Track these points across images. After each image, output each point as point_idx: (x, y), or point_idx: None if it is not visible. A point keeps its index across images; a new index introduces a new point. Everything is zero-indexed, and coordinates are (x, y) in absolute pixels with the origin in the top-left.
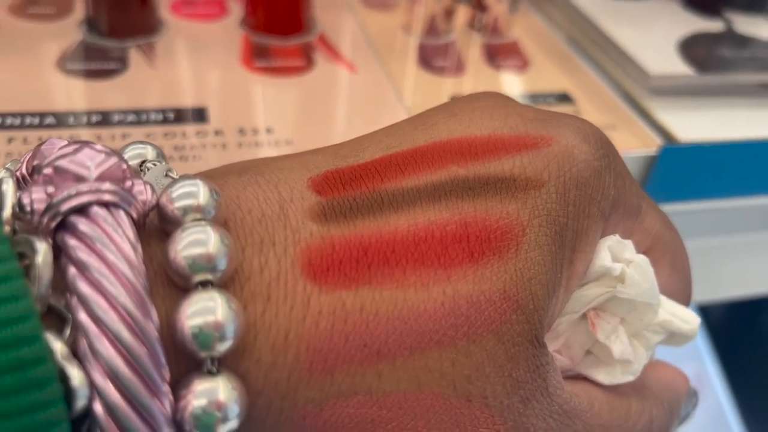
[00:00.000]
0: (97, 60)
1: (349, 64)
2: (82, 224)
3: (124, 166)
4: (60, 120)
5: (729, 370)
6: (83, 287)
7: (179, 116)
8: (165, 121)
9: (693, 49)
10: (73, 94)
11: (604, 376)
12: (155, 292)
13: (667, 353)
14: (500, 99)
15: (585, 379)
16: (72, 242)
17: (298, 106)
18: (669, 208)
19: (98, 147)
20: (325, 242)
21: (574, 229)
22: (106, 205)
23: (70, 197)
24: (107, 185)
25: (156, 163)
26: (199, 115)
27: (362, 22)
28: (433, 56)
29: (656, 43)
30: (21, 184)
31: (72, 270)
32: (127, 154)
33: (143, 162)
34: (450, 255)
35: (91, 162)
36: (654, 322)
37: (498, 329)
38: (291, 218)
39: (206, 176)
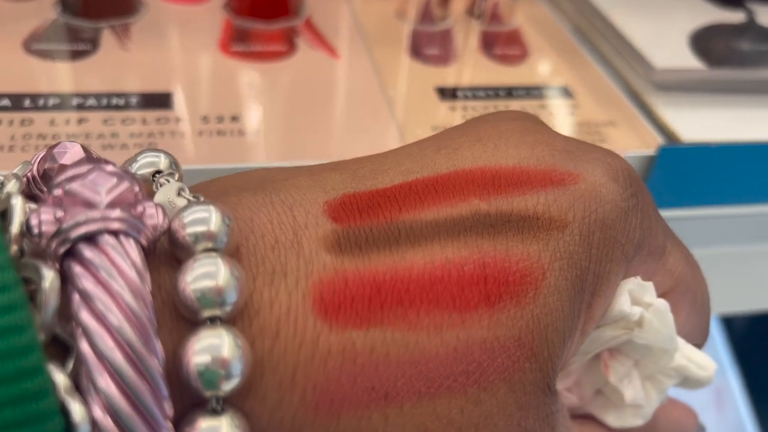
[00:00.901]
0: (66, 41)
1: (333, 50)
2: (89, 252)
3: (137, 189)
4: (15, 102)
5: (750, 383)
6: (86, 318)
7: (143, 102)
8: (126, 106)
9: (707, 41)
10: (35, 75)
11: (613, 419)
12: (162, 323)
13: None
14: (528, 123)
15: (593, 419)
16: (78, 270)
17: (269, 94)
18: (670, 213)
19: (110, 168)
20: (338, 276)
21: (596, 272)
22: (115, 233)
23: (78, 224)
24: (117, 213)
25: (168, 178)
26: (164, 100)
27: (355, 7)
28: (426, 44)
29: (667, 35)
30: (31, 185)
31: (77, 299)
32: (140, 162)
33: (156, 173)
34: (466, 297)
35: (102, 187)
36: (669, 366)
37: (510, 377)
38: (305, 247)
39: (221, 191)
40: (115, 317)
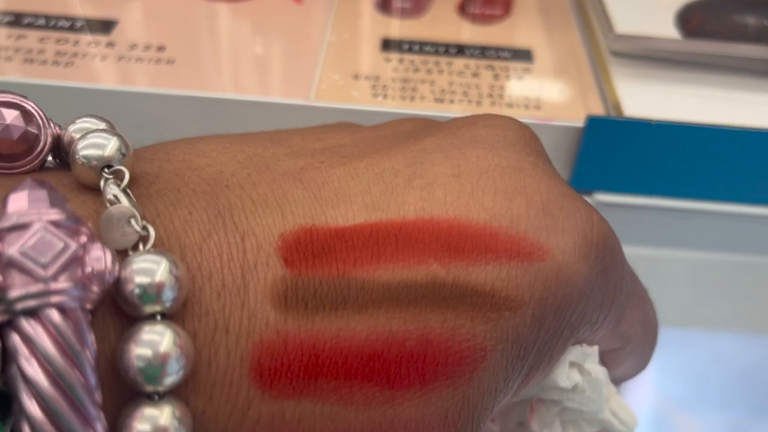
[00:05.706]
0: None
1: None
2: (28, 328)
3: (83, 239)
4: None
5: None
6: (27, 403)
7: (88, 25)
8: (71, 28)
9: (710, 12)
10: None
11: None
12: (103, 383)
13: None
14: (518, 155)
15: None
16: (17, 342)
17: (210, 30)
18: (596, 198)
19: (55, 217)
20: (279, 337)
21: (539, 350)
22: (59, 306)
23: (19, 299)
24: (61, 284)
25: (117, 193)
26: (106, 26)
27: None
28: None
29: (660, 2)
30: None
31: (13, 370)
32: (86, 142)
33: (104, 167)
34: (401, 374)
35: (47, 255)
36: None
37: None
38: (251, 295)
39: (173, 197)
40: (54, 401)
